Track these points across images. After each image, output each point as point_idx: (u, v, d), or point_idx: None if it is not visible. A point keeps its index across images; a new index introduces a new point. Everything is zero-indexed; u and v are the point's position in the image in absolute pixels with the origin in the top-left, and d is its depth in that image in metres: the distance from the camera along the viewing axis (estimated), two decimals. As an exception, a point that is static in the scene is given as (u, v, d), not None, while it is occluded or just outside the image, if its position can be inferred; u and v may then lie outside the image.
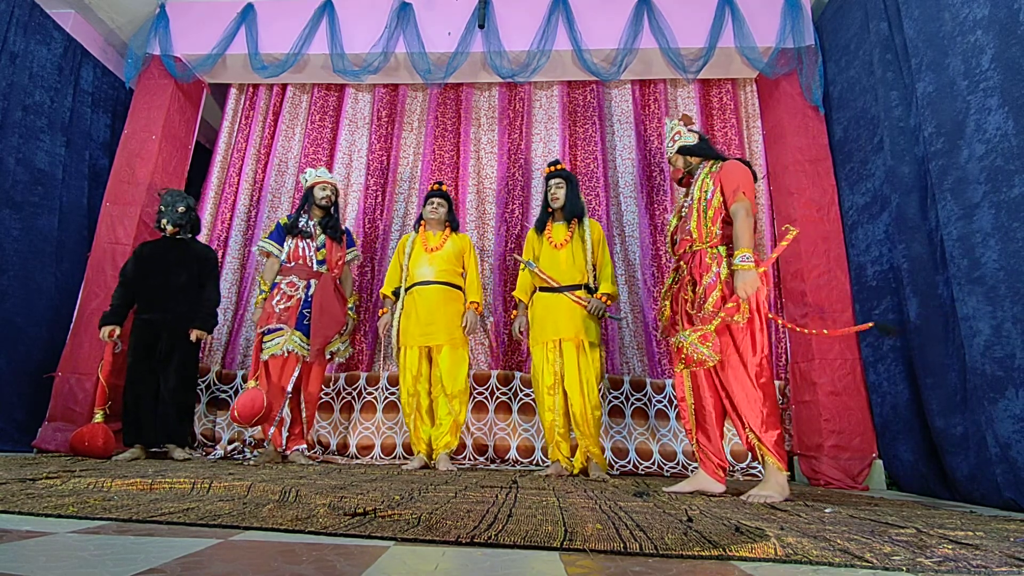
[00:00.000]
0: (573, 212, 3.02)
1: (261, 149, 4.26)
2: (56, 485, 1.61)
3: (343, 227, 3.38)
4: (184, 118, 4.05)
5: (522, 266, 3.06)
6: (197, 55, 3.93)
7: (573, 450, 2.97)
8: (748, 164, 2.32)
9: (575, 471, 2.89)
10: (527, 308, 3.10)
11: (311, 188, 3.30)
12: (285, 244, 3.23)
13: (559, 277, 2.95)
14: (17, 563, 0.84)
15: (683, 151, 2.43)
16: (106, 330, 3.03)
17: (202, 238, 3.89)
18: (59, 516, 1.21)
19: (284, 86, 4.33)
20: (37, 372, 3.34)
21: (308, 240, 3.22)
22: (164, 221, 3.22)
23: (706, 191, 2.25)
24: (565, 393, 2.87)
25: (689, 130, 2.45)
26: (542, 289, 3.00)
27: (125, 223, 3.63)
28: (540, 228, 3.10)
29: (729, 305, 2.07)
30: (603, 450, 2.95)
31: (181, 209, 3.24)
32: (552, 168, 3.13)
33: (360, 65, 3.86)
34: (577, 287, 2.92)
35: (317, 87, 4.31)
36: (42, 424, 3.26)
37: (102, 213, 3.68)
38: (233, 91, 4.36)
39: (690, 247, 2.27)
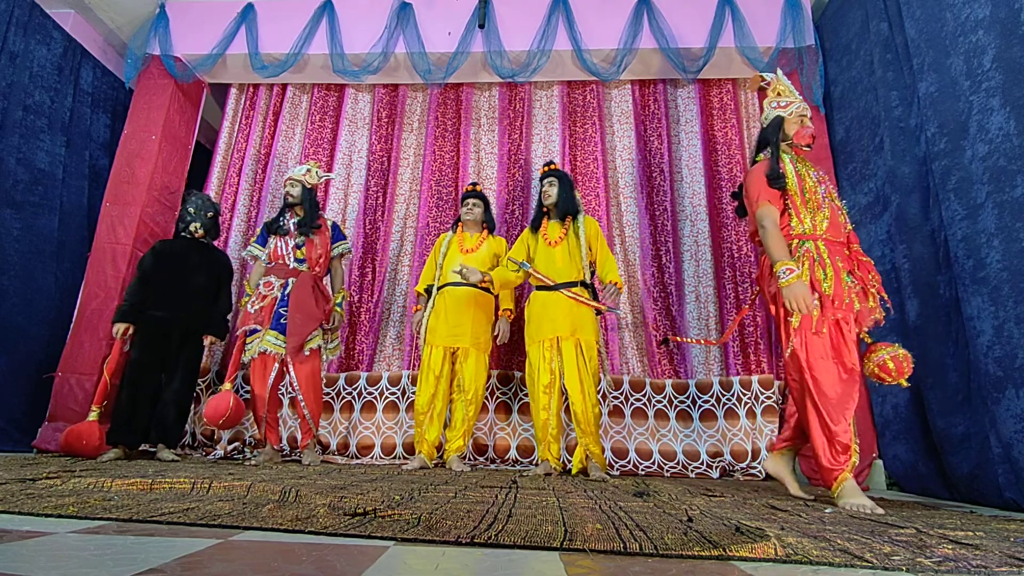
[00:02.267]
0: (566, 210, 3.04)
1: (261, 149, 4.26)
2: (56, 485, 1.61)
3: (318, 223, 3.25)
4: (184, 118, 4.05)
5: (514, 267, 3.01)
6: (197, 55, 3.93)
7: (570, 450, 2.97)
8: None
9: (575, 471, 2.89)
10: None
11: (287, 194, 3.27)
12: (268, 244, 3.22)
13: (555, 275, 2.94)
14: (17, 563, 0.84)
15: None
16: (121, 327, 3.01)
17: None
18: (59, 516, 1.21)
19: (284, 86, 4.33)
20: (37, 372, 3.34)
21: (286, 238, 3.18)
22: (195, 225, 3.24)
23: (832, 189, 2.11)
24: (564, 392, 2.87)
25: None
26: (538, 288, 3.00)
27: (125, 223, 3.63)
28: (535, 227, 3.12)
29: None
30: (603, 450, 2.94)
31: (210, 215, 3.31)
32: (546, 168, 3.17)
33: (360, 65, 3.86)
34: (573, 284, 2.91)
35: (317, 87, 4.31)
36: (42, 424, 3.26)
37: (102, 213, 3.68)
38: (233, 91, 4.36)
39: (846, 242, 2.06)
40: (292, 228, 3.19)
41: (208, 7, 4.03)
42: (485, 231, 3.30)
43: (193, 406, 3.59)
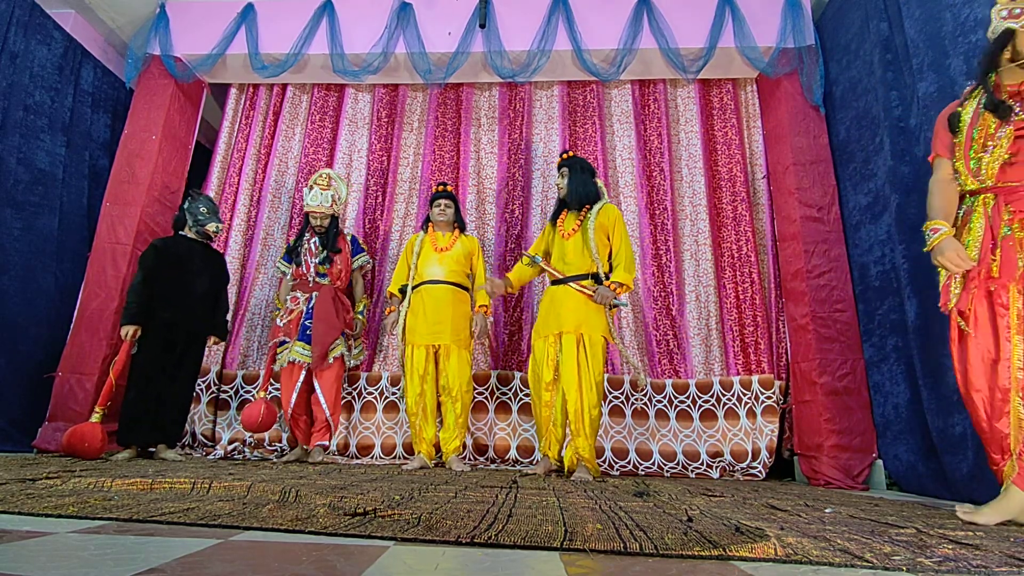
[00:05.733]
0: (581, 200, 2.91)
1: (261, 149, 4.26)
2: (56, 485, 1.61)
3: (347, 238, 3.42)
4: (184, 118, 4.05)
5: (527, 260, 2.99)
6: (197, 55, 3.93)
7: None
8: None
9: (566, 470, 2.85)
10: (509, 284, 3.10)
11: (307, 214, 3.36)
12: (292, 262, 3.39)
13: (567, 268, 2.86)
14: (17, 563, 0.84)
15: None
16: (130, 329, 3.03)
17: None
18: (59, 516, 1.21)
19: (284, 86, 4.33)
20: (37, 372, 3.34)
21: (308, 257, 3.32)
22: (215, 225, 3.31)
23: None
24: (563, 389, 2.77)
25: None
26: (553, 282, 2.95)
27: (125, 223, 3.63)
28: (554, 219, 3.05)
29: None
30: (594, 454, 2.76)
31: (218, 215, 3.41)
32: (560, 158, 3.07)
33: (360, 65, 3.86)
34: (584, 276, 2.81)
35: (317, 87, 4.31)
36: (42, 424, 3.26)
37: (102, 213, 3.68)
38: (233, 91, 4.36)
39: None
40: (313, 247, 3.32)
41: (208, 7, 4.03)
42: (457, 230, 3.32)
43: (193, 405, 3.60)
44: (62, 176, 3.61)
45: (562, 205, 3.03)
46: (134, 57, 3.93)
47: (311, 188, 3.32)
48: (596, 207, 2.88)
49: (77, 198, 3.74)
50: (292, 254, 3.38)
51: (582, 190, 2.92)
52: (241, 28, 3.93)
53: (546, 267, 2.93)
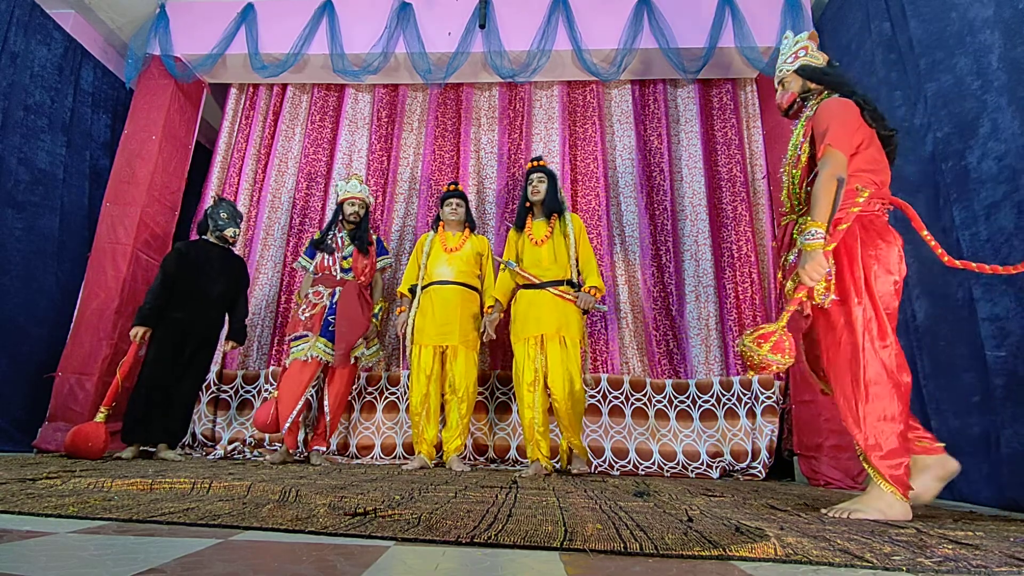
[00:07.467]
0: (552, 207, 3.04)
1: (261, 149, 4.26)
2: (56, 485, 1.61)
3: (372, 238, 3.41)
4: (184, 118, 4.06)
5: (502, 266, 3.04)
6: (197, 55, 3.93)
7: (554, 451, 2.99)
8: (865, 101, 1.78)
9: (563, 465, 2.93)
10: (502, 308, 3.13)
11: (341, 203, 3.34)
12: (315, 257, 3.33)
13: (541, 274, 2.94)
14: (17, 563, 0.84)
15: (804, 72, 1.88)
16: (140, 331, 3.04)
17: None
18: (59, 516, 1.21)
19: (284, 86, 4.33)
20: (38, 372, 3.34)
21: (334, 252, 3.29)
22: (233, 231, 3.33)
23: (795, 144, 1.77)
24: (547, 389, 2.87)
25: (818, 50, 1.91)
26: (524, 286, 3.00)
27: (125, 223, 3.64)
28: (520, 226, 3.11)
29: (798, 294, 1.68)
30: (586, 449, 2.96)
31: (240, 221, 3.42)
32: (534, 163, 3.15)
33: (360, 65, 3.86)
34: (560, 282, 2.92)
35: (317, 87, 4.31)
36: (42, 424, 3.26)
37: (102, 213, 3.68)
38: (233, 91, 4.36)
39: (782, 220, 1.83)
40: (340, 242, 3.29)
41: (208, 7, 4.03)
42: (467, 230, 3.32)
43: (195, 406, 3.60)
44: (62, 176, 3.61)
45: (525, 211, 3.13)
46: (134, 57, 3.93)
47: (348, 180, 3.38)
48: (568, 216, 3.04)
49: (77, 198, 3.74)
50: (318, 245, 3.32)
51: (555, 199, 3.07)
52: (241, 28, 3.93)
53: (521, 272, 2.98)
